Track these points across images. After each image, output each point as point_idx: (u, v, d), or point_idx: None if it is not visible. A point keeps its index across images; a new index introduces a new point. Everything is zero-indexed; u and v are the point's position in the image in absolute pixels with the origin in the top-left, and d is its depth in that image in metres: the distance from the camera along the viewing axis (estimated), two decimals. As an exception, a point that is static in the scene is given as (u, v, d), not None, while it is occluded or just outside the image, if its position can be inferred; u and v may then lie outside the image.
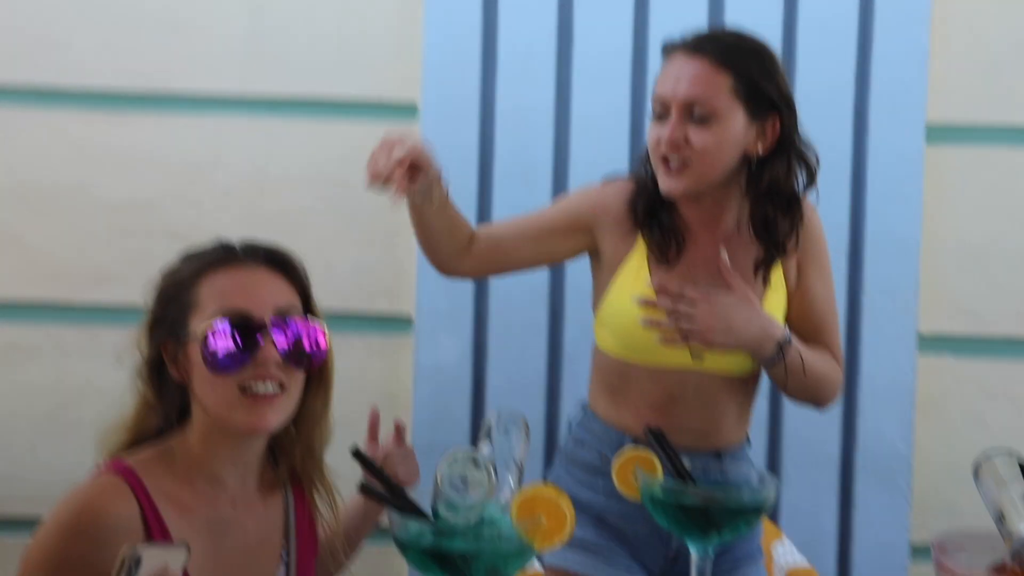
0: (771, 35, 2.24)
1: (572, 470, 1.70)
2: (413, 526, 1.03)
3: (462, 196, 2.25)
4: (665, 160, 1.54)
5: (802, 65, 2.26)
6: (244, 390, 1.18)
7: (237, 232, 2.30)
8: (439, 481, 1.01)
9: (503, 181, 2.26)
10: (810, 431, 2.26)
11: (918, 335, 2.28)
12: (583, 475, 1.67)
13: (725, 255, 1.56)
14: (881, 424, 2.27)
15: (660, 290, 1.53)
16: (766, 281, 1.62)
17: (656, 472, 1.38)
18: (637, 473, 1.36)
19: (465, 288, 2.25)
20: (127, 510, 1.15)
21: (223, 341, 1.17)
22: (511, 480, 1.15)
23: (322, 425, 1.30)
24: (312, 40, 2.30)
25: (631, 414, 1.63)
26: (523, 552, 1.04)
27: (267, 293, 1.22)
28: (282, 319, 1.20)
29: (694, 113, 1.53)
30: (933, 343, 2.32)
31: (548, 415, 2.27)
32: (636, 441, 1.58)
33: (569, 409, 2.10)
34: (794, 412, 2.26)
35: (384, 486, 1.07)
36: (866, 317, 2.27)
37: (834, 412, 2.27)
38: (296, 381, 1.22)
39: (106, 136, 2.29)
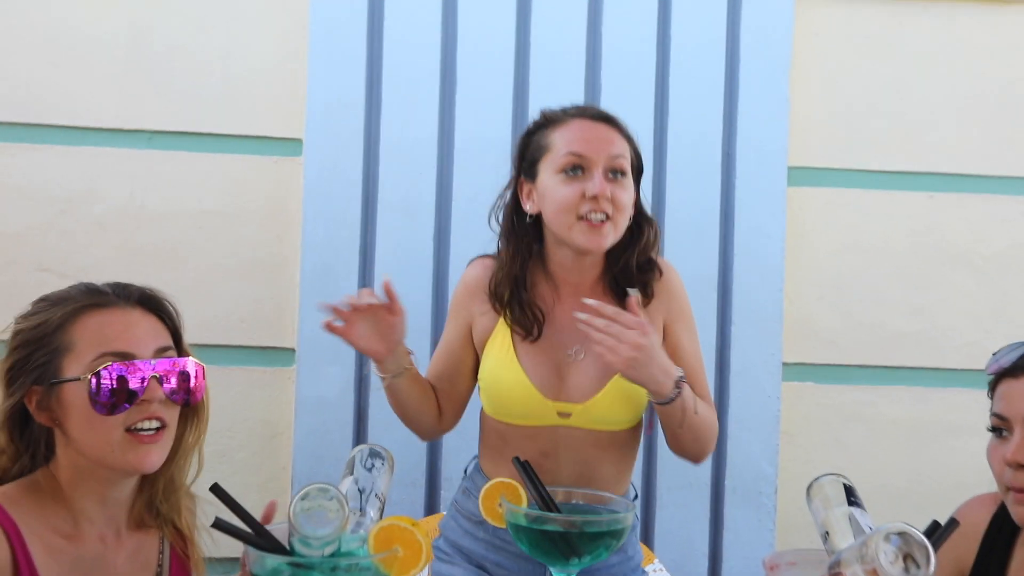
0: (645, 87, 2.37)
1: (459, 519, 1.77)
2: (270, 561, 1.05)
3: (346, 230, 2.29)
4: (584, 217, 1.59)
5: (674, 113, 2.38)
6: (128, 430, 1.18)
7: (112, 266, 2.28)
8: (293, 516, 1.02)
9: (387, 214, 2.29)
10: (683, 457, 2.36)
11: (782, 364, 2.41)
12: (468, 524, 1.74)
13: (636, 295, 1.62)
14: (749, 448, 2.38)
15: (597, 310, 1.54)
16: None
17: (520, 501, 1.43)
18: (502, 501, 1.42)
19: (348, 320, 2.27)
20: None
21: (109, 383, 1.16)
22: (373, 513, 1.17)
23: (189, 460, 1.30)
24: (194, 73, 2.29)
25: (509, 469, 1.66)
26: (380, 583, 1.07)
27: (144, 333, 1.23)
28: (162, 358, 1.22)
29: (615, 170, 1.62)
30: (796, 371, 2.46)
31: (430, 446, 2.29)
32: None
33: (449, 439, 2.13)
34: (668, 438, 2.36)
35: (244, 521, 1.08)
36: (734, 348, 2.38)
37: (705, 438, 2.37)
38: (174, 418, 1.24)
39: (-28, 166, 2.23)
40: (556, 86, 2.34)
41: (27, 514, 1.17)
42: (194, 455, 1.30)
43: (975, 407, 2.45)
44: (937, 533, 1.06)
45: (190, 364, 1.24)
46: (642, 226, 1.69)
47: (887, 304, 2.47)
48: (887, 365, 2.48)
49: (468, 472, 1.82)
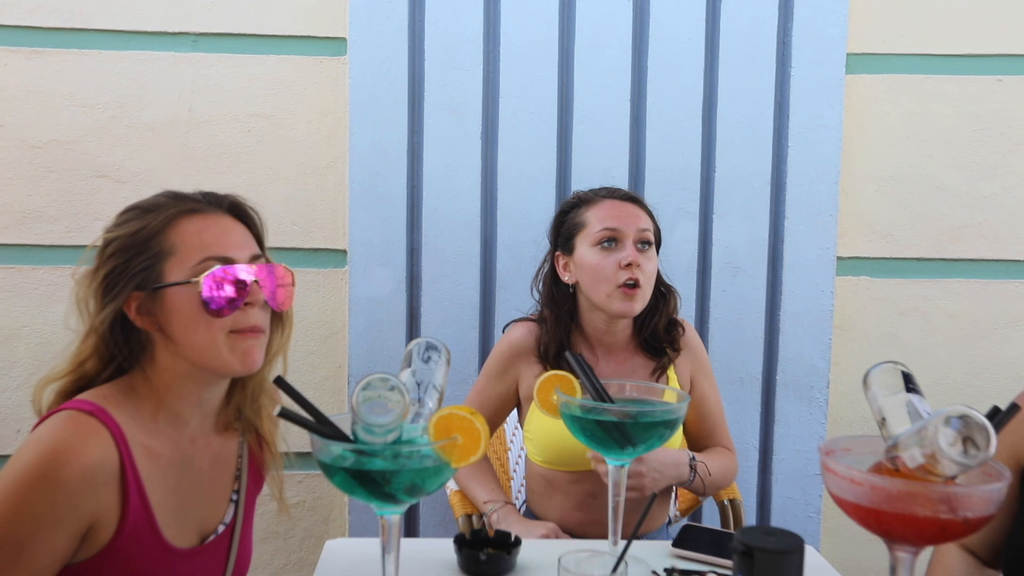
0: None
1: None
2: (335, 448, 1.07)
3: (393, 128, 2.27)
4: (620, 285, 1.77)
5: (727, -3, 2.29)
6: (231, 333, 1.21)
7: (166, 171, 2.31)
8: (355, 405, 1.04)
9: (433, 113, 2.27)
10: (735, 352, 2.36)
11: (836, 258, 2.37)
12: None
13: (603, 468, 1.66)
14: (802, 343, 2.37)
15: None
16: (665, 380, 1.89)
17: (575, 392, 1.45)
18: (557, 393, 1.43)
19: (398, 221, 2.28)
20: (105, 453, 1.14)
21: (220, 286, 1.18)
22: (431, 403, 1.20)
23: (275, 364, 1.33)
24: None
25: (557, 512, 1.88)
26: (441, 470, 1.09)
27: (240, 240, 1.24)
28: (259, 264, 1.24)
29: (643, 241, 1.80)
30: (851, 265, 2.42)
31: (482, 342, 2.33)
32: (564, 531, 1.83)
33: (501, 335, 2.16)
34: (721, 335, 2.36)
35: (307, 411, 1.11)
36: (788, 242, 2.35)
37: (757, 333, 2.37)
38: (267, 323, 1.26)
39: (25, 73, 2.24)
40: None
41: (126, 416, 1.20)
42: (279, 359, 1.33)
43: (1036, 298, 2.41)
44: (998, 417, 1.05)
45: (284, 270, 1.27)
46: (665, 294, 1.90)
47: (947, 195, 2.41)
48: (945, 258, 2.43)
49: (521, 514, 1.94)
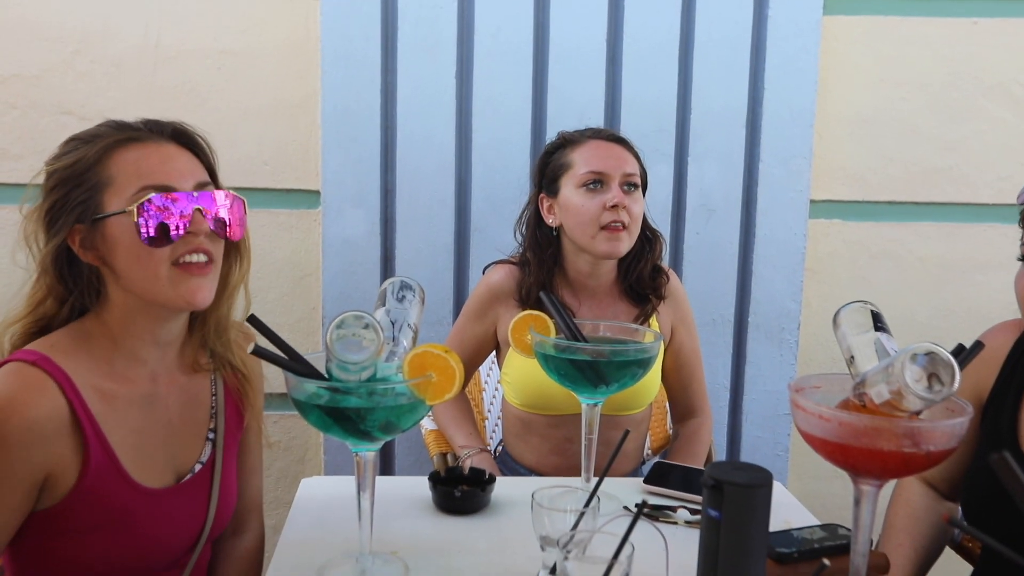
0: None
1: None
2: (309, 386, 1.08)
3: (366, 66, 2.23)
4: (605, 226, 1.75)
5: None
6: (176, 265, 1.17)
7: (133, 108, 2.24)
8: (330, 342, 1.04)
9: (407, 52, 2.22)
10: (708, 294, 2.38)
11: (810, 201, 2.38)
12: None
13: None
14: (773, 285, 2.40)
15: None
16: (648, 325, 1.87)
17: (549, 332, 1.46)
18: (531, 332, 1.44)
19: (372, 161, 2.25)
20: (52, 404, 1.12)
21: (154, 215, 1.14)
22: (406, 342, 1.20)
23: (236, 297, 1.30)
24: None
25: (534, 455, 1.90)
26: (416, 407, 1.10)
27: (183, 167, 1.20)
28: (204, 192, 1.19)
29: (629, 184, 1.78)
30: (823, 208, 2.44)
31: (457, 283, 2.32)
32: (540, 475, 1.87)
33: (476, 277, 2.16)
34: (694, 277, 2.37)
35: (281, 349, 1.11)
36: (762, 185, 2.35)
37: (730, 275, 2.39)
38: (219, 253, 1.23)
39: (-16, 5, 2.17)
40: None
41: (77, 362, 1.17)
42: (240, 292, 1.31)
43: (1003, 242, 2.44)
44: (963, 355, 1.08)
45: (231, 198, 1.23)
46: (651, 239, 1.89)
47: (920, 139, 2.42)
48: (916, 201, 2.45)
49: (497, 455, 1.98)
